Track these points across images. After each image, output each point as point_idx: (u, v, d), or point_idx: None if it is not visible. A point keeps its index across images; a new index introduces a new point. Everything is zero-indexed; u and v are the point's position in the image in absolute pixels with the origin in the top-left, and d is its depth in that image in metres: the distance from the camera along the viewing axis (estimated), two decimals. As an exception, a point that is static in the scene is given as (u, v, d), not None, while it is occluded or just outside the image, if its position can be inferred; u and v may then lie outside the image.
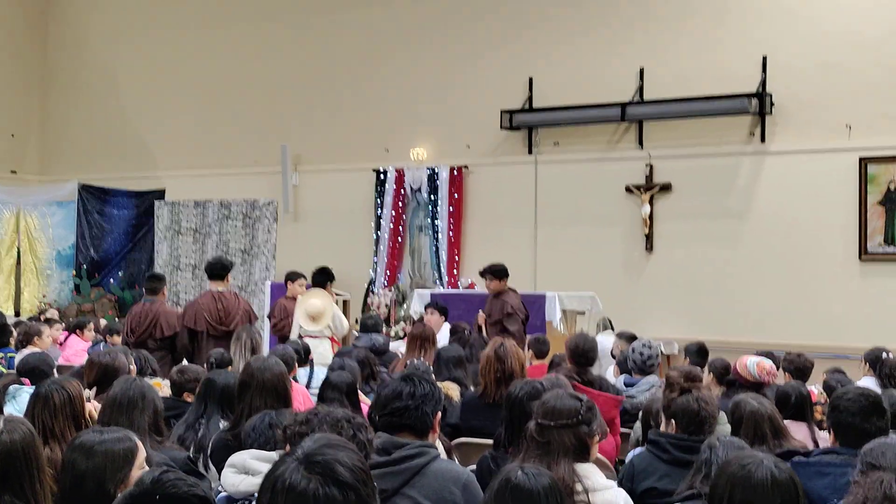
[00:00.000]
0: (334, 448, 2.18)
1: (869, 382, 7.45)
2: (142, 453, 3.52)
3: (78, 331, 11.40)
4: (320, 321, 9.97)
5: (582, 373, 6.58)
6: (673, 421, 4.81)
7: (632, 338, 8.92)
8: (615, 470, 5.45)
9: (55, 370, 6.86)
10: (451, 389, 6.68)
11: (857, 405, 4.41)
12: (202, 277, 15.49)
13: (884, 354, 8.04)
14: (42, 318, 12.60)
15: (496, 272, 10.73)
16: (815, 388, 6.87)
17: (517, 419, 4.50)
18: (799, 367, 7.77)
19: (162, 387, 6.37)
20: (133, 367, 6.43)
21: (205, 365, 7.40)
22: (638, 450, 5.32)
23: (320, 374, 7.25)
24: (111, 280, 17.84)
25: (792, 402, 5.91)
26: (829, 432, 4.58)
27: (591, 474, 3.93)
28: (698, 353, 8.87)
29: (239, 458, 3.87)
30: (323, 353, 9.59)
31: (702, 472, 3.91)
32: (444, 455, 5.16)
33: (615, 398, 6.40)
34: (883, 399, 4.58)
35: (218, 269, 9.86)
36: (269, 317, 11.89)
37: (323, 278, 10.89)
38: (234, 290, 15.15)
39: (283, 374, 5.04)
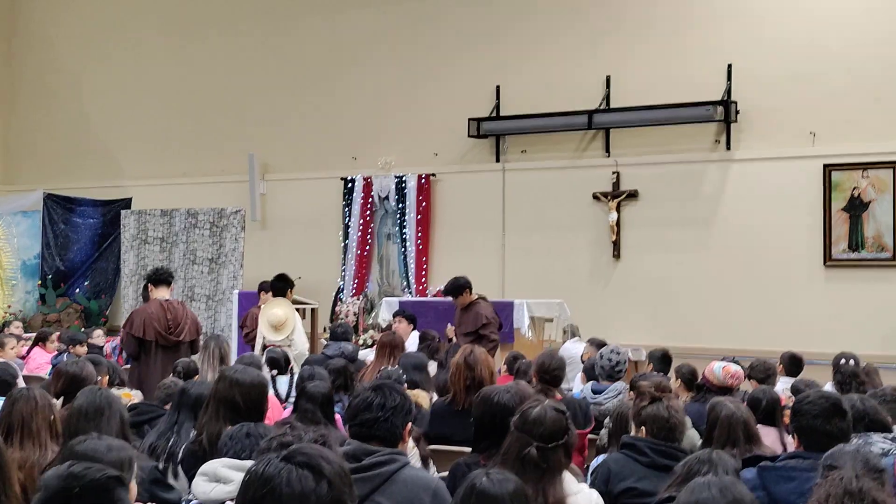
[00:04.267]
0: (319, 449, 2.19)
1: (829, 388, 7.55)
2: (136, 465, 3.52)
3: (41, 343, 11.31)
4: (283, 330, 9.89)
5: (547, 391, 6.50)
6: (643, 428, 4.86)
7: (601, 344, 8.97)
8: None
9: (19, 380, 6.81)
10: (421, 397, 6.69)
11: (819, 408, 4.47)
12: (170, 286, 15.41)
13: (841, 361, 8.15)
14: (7, 331, 12.47)
15: (451, 291, 10.74)
16: (784, 393, 6.96)
17: (495, 426, 4.46)
18: (765, 374, 7.87)
19: (132, 397, 6.34)
20: (103, 378, 6.40)
21: (171, 374, 7.35)
22: (603, 456, 5.36)
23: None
24: (77, 290, 17.70)
25: (763, 406, 5.98)
26: (793, 437, 4.63)
27: (565, 479, 3.97)
28: (662, 359, 8.94)
29: (211, 466, 3.86)
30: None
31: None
32: (418, 463, 5.18)
33: (582, 433, 6.40)
34: (844, 402, 4.64)
35: (165, 276, 9.54)
36: (241, 326, 11.80)
37: (283, 286, 10.80)
38: (202, 297, 15.16)
39: (263, 386, 5.03)
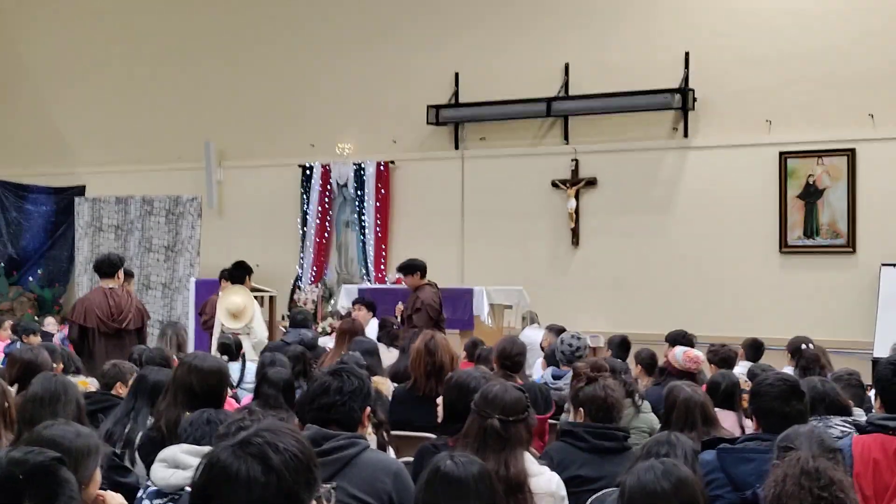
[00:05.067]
0: (273, 433, 2.15)
1: (790, 371, 7.63)
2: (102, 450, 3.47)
3: (-7, 331, 11.17)
4: (242, 318, 9.83)
5: (508, 377, 6.48)
6: (581, 409, 4.88)
7: (560, 331, 8.98)
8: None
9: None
10: (381, 384, 6.66)
11: (777, 389, 4.50)
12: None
13: (803, 346, 8.23)
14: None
15: (403, 268, 10.80)
16: (741, 377, 7.01)
17: (467, 410, 4.45)
18: (723, 358, 7.95)
19: (88, 385, 6.25)
20: (58, 366, 6.32)
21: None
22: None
23: (252, 369, 7.18)
24: (30, 278, 17.48)
25: (722, 389, 6.03)
26: (752, 419, 4.66)
27: (526, 460, 3.98)
28: (621, 345, 9.01)
29: (170, 452, 3.83)
30: (248, 350, 9.48)
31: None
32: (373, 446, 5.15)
33: (542, 418, 6.41)
34: (801, 384, 4.68)
35: (106, 267, 9.30)
36: (200, 313, 11.71)
37: (240, 273, 10.72)
38: (158, 285, 15.01)
39: (222, 373, 4.99)
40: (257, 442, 2.10)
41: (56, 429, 3.38)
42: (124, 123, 17.09)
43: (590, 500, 4.12)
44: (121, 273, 9.33)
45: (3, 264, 17.50)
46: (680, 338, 8.25)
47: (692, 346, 8.04)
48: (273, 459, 2.07)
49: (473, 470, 3.31)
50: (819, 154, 12.56)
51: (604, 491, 4.08)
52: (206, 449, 3.63)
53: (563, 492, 4.02)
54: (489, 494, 3.34)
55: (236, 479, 2.05)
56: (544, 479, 3.96)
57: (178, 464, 3.72)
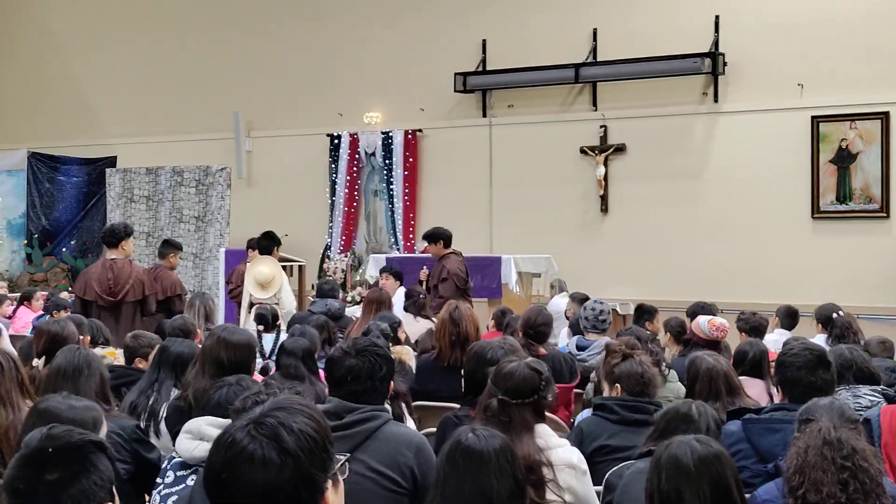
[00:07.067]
0: (288, 412, 2.14)
1: (820, 340, 7.55)
2: (105, 426, 3.48)
3: (26, 302, 11.26)
4: (269, 288, 9.84)
5: (530, 346, 6.42)
6: (618, 385, 4.86)
7: (584, 299, 8.92)
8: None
9: (5, 340, 6.78)
10: (405, 354, 6.67)
11: (803, 359, 4.45)
12: (156, 245, 15.34)
13: (835, 314, 8.13)
14: (-9, 290, 12.43)
15: (428, 237, 10.71)
16: (775, 346, 6.94)
17: (485, 380, 4.43)
18: (754, 326, 7.87)
19: (116, 356, 6.30)
20: (85, 338, 6.36)
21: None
22: (585, 412, 5.36)
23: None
24: (63, 249, 17.62)
25: (749, 357, 5.97)
26: (777, 389, 4.62)
27: (545, 434, 3.94)
28: (639, 312, 8.92)
29: (195, 424, 3.82)
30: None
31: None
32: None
33: (567, 387, 6.39)
34: (828, 353, 4.62)
35: (108, 237, 9.12)
36: (227, 282, 11.75)
37: (269, 244, 10.71)
38: (189, 256, 15.08)
39: (251, 346, 4.99)
40: (271, 423, 2.09)
41: (51, 402, 3.40)
42: (154, 95, 17.15)
43: (608, 472, 4.09)
44: (126, 243, 9.10)
45: (36, 235, 17.66)
46: (699, 309, 8.16)
47: (713, 315, 7.96)
48: (288, 441, 2.06)
49: (495, 444, 3.30)
50: (852, 118, 12.38)
51: (623, 464, 4.06)
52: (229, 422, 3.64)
53: (585, 466, 3.98)
54: (510, 469, 3.33)
55: (251, 460, 2.05)
56: (565, 451, 3.93)
57: (203, 436, 3.72)
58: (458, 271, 10.39)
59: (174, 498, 3.79)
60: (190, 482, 3.76)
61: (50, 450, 2.37)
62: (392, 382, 4.11)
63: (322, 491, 2.10)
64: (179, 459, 3.87)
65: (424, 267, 10.85)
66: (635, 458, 4.04)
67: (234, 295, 11.14)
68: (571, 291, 10.91)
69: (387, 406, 4.14)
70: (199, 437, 3.78)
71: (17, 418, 3.71)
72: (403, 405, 5.17)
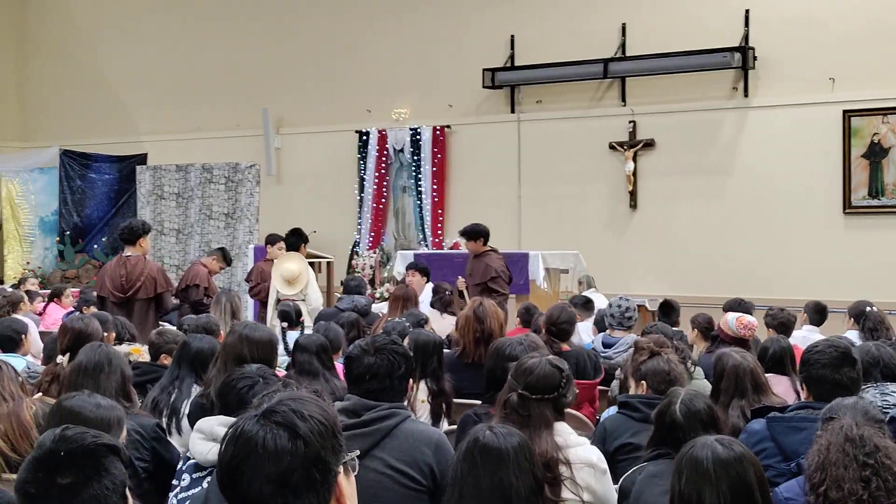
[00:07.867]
0: (296, 401, 2.14)
1: (853, 336, 7.47)
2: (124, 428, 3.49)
3: (56, 298, 11.34)
4: (296, 284, 9.88)
5: (553, 344, 6.40)
6: (644, 383, 4.82)
7: (587, 302, 9.14)
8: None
9: (24, 336, 6.83)
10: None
11: (827, 357, 4.39)
12: (186, 242, 15.44)
13: (867, 309, 8.05)
14: (22, 287, 12.50)
15: (468, 233, 10.61)
16: (804, 342, 6.86)
17: (505, 377, 4.40)
18: (782, 322, 7.79)
19: (141, 352, 6.32)
20: (109, 335, 6.39)
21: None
22: (611, 409, 5.33)
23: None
24: (95, 246, 17.75)
25: (770, 354, 5.91)
26: (803, 387, 4.56)
27: (564, 432, 3.92)
28: (665, 309, 8.91)
29: (207, 424, 3.81)
30: (305, 317, 9.51)
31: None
32: (428, 419, 5.14)
33: (591, 384, 6.36)
34: (853, 350, 4.55)
35: (126, 234, 9.14)
36: (247, 280, 11.77)
37: (296, 240, 10.72)
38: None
39: (272, 343, 4.98)
40: (282, 410, 2.09)
41: (76, 400, 3.40)
42: (184, 92, 17.24)
43: (622, 477, 4.06)
44: (144, 240, 9.12)
45: (68, 233, 17.82)
46: (736, 306, 8.10)
47: (749, 313, 7.89)
48: (299, 426, 2.06)
49: (513, 442, 3.29)
50: (884, 112, 12.25)
51: (636, 468, 4.03)
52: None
53: (605, 465, 3.95)
54: (529, 466, 3.31)
55: (264, 448, 2.04)
56: (584, 450, 3.90)
57: (216, 436, 3.70)
58: (503, 269, 10.38)
59: (190, 502, 3.78)
60: (206, 484, 3.76)
61: (62, 453, 2.35)
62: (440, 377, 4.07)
63: (335, 474, 2.09)
64: (194, 461, 3.86)
65: (461, 277, 10.71)
66: (644, 461, 4.00)
67: (254, 293, 11.16)
68: (602, 288, 10.85)
69: (424, 401, 4.12)
70: (211, 437, 3.75)
71: (17, 405, 3.68)
72: (444, 405, 5.15)
